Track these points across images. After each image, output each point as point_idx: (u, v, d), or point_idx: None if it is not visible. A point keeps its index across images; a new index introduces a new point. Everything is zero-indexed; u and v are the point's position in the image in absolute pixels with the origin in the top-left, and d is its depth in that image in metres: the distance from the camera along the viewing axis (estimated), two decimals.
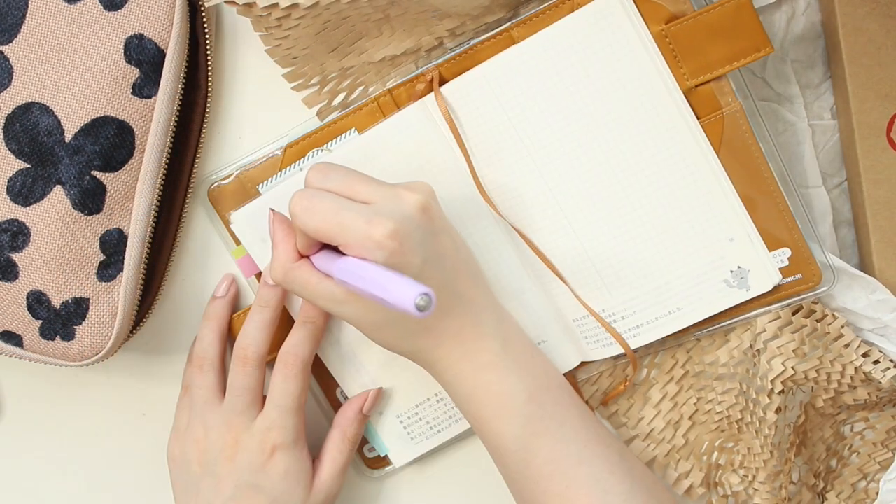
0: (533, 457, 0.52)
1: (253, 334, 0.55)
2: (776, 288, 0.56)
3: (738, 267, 0.56)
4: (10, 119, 0.52)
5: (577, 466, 0.51)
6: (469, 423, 0.54)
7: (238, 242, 0.57)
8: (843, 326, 0.57)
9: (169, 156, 0.54)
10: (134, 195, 0.54)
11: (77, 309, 0.53)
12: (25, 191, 0.52)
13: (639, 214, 0.56)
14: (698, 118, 0.54)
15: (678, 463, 0.61)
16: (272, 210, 0.53)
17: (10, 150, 0.52)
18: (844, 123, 0.58)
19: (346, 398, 0.59)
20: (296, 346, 0.55)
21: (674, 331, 0.57)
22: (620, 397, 0.61)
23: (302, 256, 0.51)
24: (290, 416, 0.55)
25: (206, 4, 0.54)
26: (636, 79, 0.54)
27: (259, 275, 0.57)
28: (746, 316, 0.57)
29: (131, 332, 0.56)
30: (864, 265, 0.60)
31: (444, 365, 0.52)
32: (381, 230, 0.47)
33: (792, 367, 0.57)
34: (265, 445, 0.54)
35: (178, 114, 0.54)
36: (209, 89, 0.56)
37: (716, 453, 0.61)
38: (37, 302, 0.53)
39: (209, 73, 0.55)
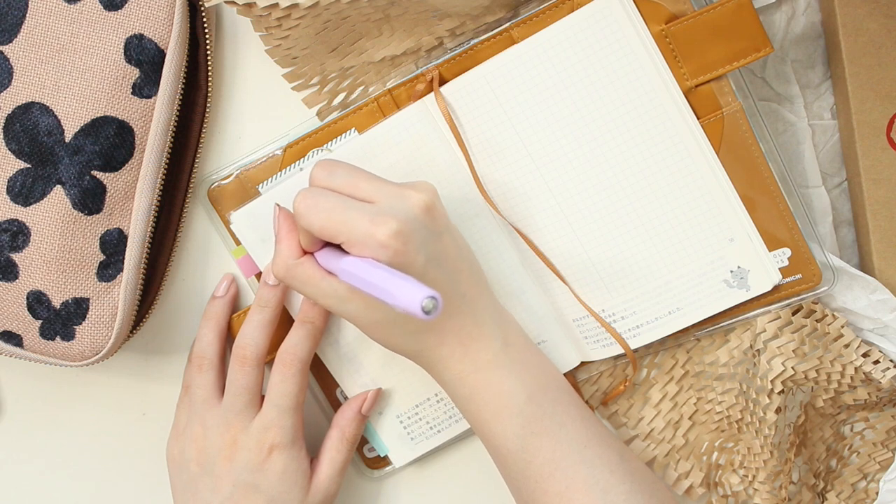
0: (532, 457, 0.52)
1: (252, 334, 0.55)
2: (776, 288, 0.56)
3: (738, 267, 0.56)
4: (10, 119, 0.52)
5: (576, 466, 0.51)
6: (469, 423, 0.54)
7: (238, 242, 0.57)
8: (843, 326, 0.57)
9: (169, 156, 0.54)
10: (134, 195, 0.54)
11: (77, 309, 0.53)
12: (25, 191, 0.52)
13: (638, 214, 0.56)
14: (698, 118, 0.54)
15: (678, 463, 0.61)
16: (277, 205, 0.53)
17: (10, 150, 0.52)
18: (844, 123, 0.58)
19: (345, 398, 0.59)
20: (294, 345, 0.55)
21: (674, 331, 0.57)
22: (620, 397, 0.61)
23: (305, 253, 0.51)
24: (288, 415, 0.55)
25: (206, 4, 0.54)
26: (636, 79, 0.54)
27: (259, 275, 0.57)
28: (746, 316, 0.57)
29: (131, 332, 0.56)
30: (864, 265, 0.60)
31: (444, 365, 0.52)
32: (385, 229, 0.47)
33: (792, 367, 0.57)
34: (263, 445, 0.54)
35: (178, 114, 0.54)
36: (209, 89, 0.56)
37: (716, 453, 0.61)
38: (37, 302, 0.53)
39: (209, 73, 0.55)
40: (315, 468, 0.57)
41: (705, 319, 0.57)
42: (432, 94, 0.55)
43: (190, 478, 0.56)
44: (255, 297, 0.57)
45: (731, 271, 0.56)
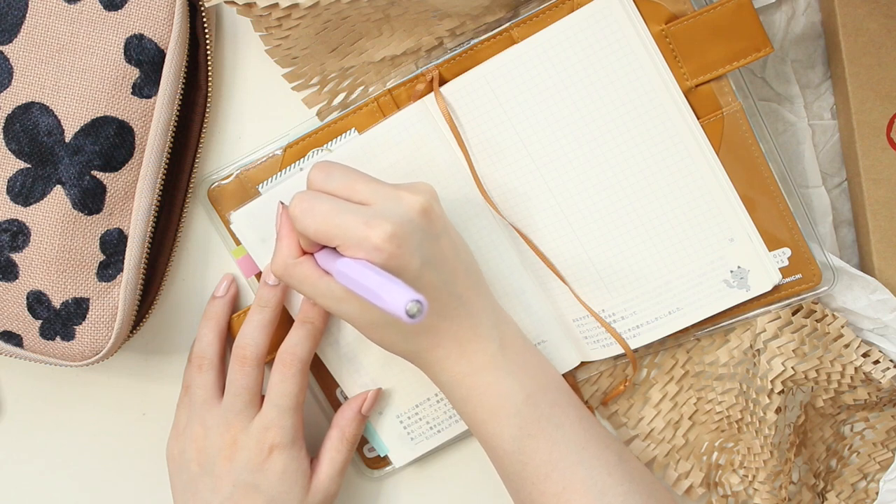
0: (529, 458, 0.52)
1: (252, 334, 0.55)
2: (776, 288, 0.56)
3: (738, 267, 0.56)
4: (10, 119, 0.52)
5: (574, 467, 0.51)
6: (466, 425, 0.54)
7: (238, 242, 0.57)
8: (843, 326, 0.57)
9: (169, 156, 0.54)
10: (134, 195, 0.54)
11: (77, 309, 0.53)
12: (25, 191, 0.52)
13: (639, 214, 0.56)
14: (698, 118, 0.54)
15: (678, 463, 0.61)
16: (281, 202, 0.53)
17: (10, 150, 0.52)
18: (844, 123, 0.58)
19: (346, 398, 0.59)
20: (294, 345, 0.55)
21: (674, 331, 0.57)
22: (620, 397, 0.61)
23: (305, 252, 0.51)
24: (288, 415, 0.55)
25: (206, 4, 0.54)
26: (636, 79, 0.54)
27: (259, 275, 0.57)
28: (746, 316, 0.57)
29: (131, 332, 0.56)
30: (864, 265, 0.60)
31: (441, 366, 0.52)
32: (380, 233, 0.47)
33: (792, 367, 0.57)
34: (263, 445, 0.54)
35: (178, 114, 0.54)
36: (209, 89, 0.56)
37: (716, 453, 0.61)
38: (37, 302, 0.53)
39: (209, 73, 0.55)
40: (315, 468, 0.57)
41: (705, 319, 0.57)
42: (432, 94, 0.55)
43: (190, 478, 0.56)
44: (255, 297, 0.57)
45: (731, 271, 0.56)
